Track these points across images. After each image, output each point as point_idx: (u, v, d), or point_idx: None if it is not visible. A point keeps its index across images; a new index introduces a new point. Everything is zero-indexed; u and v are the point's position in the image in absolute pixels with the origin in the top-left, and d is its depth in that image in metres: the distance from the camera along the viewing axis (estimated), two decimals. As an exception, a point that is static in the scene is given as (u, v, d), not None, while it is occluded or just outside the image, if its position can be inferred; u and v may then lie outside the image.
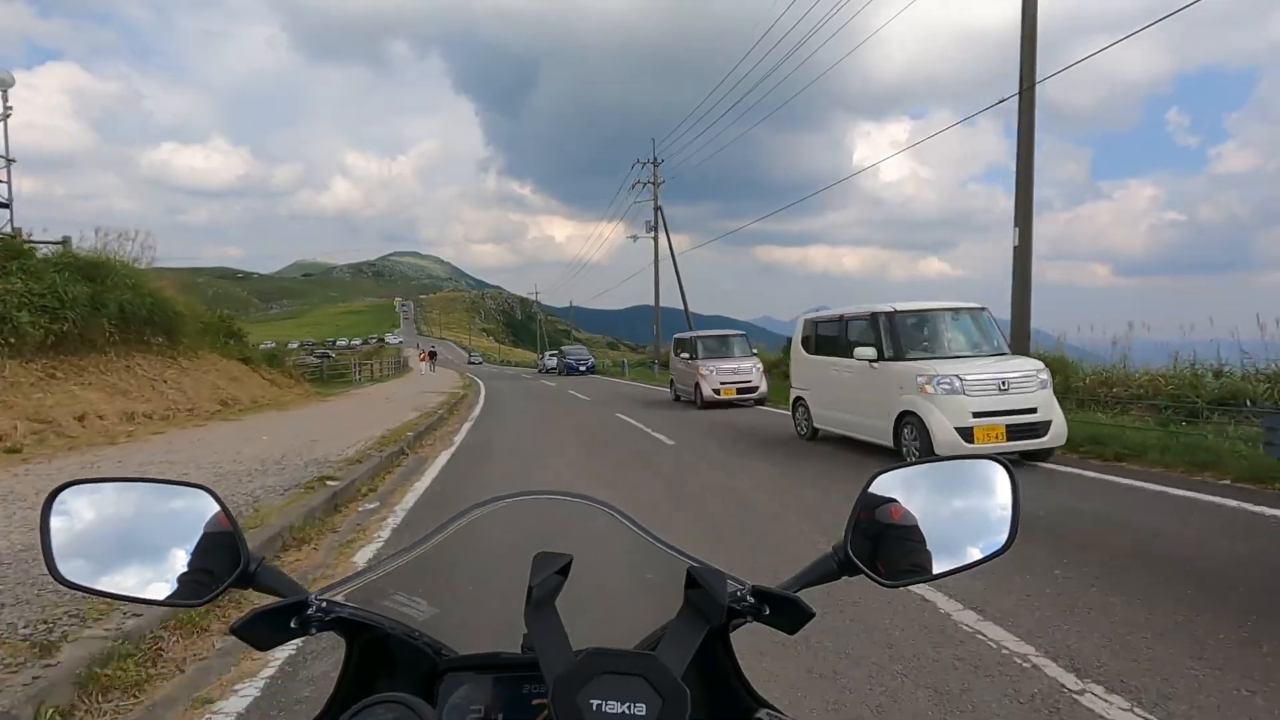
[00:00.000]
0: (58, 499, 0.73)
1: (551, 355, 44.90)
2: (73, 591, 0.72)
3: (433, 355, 42.51)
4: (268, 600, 0.71)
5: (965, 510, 0.80)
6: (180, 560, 0.71)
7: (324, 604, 0.71)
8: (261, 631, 0.69)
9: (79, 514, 0.73)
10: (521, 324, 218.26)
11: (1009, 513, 0.78)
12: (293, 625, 0.70)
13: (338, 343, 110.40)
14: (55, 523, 0.72)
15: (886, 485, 0.77)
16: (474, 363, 77.25)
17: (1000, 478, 0.80)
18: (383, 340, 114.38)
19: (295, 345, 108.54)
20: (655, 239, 33.56)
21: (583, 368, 36.48)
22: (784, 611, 0.72)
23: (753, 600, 0.72)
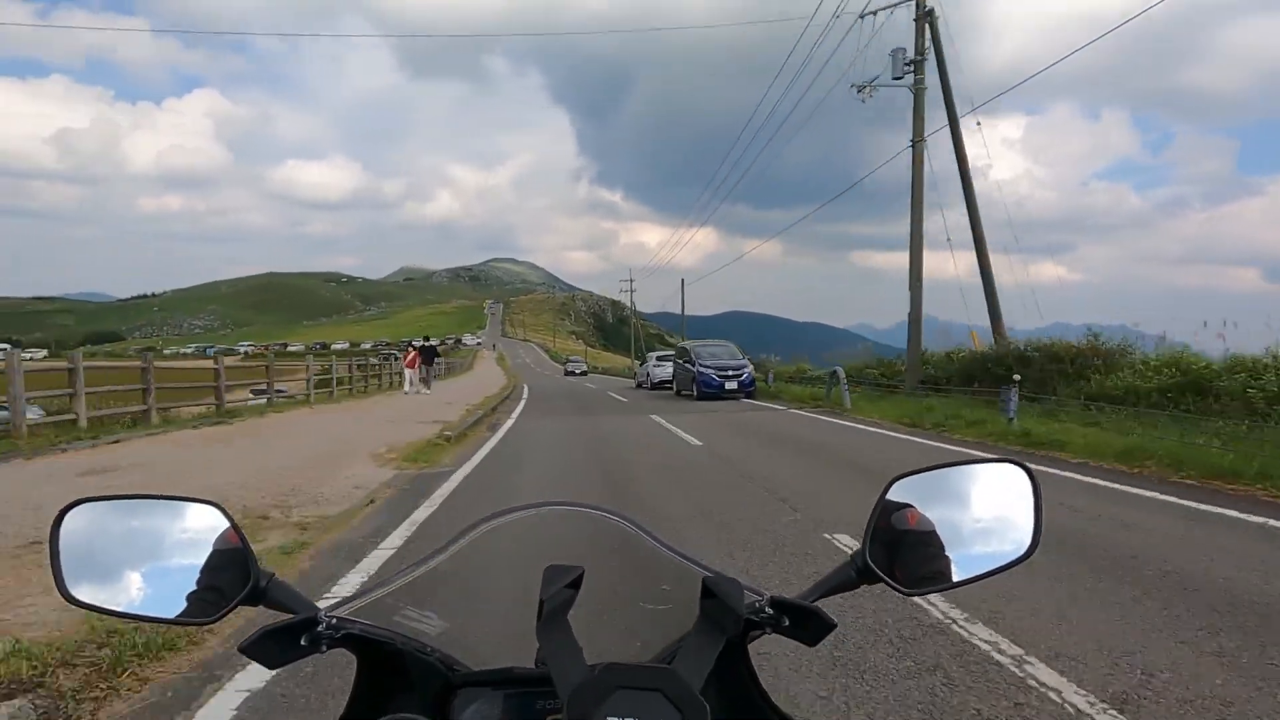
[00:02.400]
0: (66, 517, 0.72)
1: (662, 359, 25.46)
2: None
3: (430, 354, 23.48)
4: (277, 618, 0.69)
5: (985, 515, 0.76)
6: (190, 577, 0.70)
7: (334, 620, 0.70)
8: (270, 649, 0.67)
9: (87, 532, 0.72)
10: (613, 327, 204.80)
11: (1030, 517, 0.74)
12: (303, 643, 0.68)
13: (412, 343, 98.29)
14: (64, 541, 0.70)
15: (903, 490, 0.74)
16: (574, 373, 50.40)
17: (1020, 481, 0.77)
18: (459, 340, 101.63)
19: (369, 345, 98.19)
20: (916, 83, 14.40)
21: (732, 383, 17.79)
22: (803, 623, 0.70)
23: (771, 612, 0.70)
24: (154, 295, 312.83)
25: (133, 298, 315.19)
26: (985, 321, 15.03)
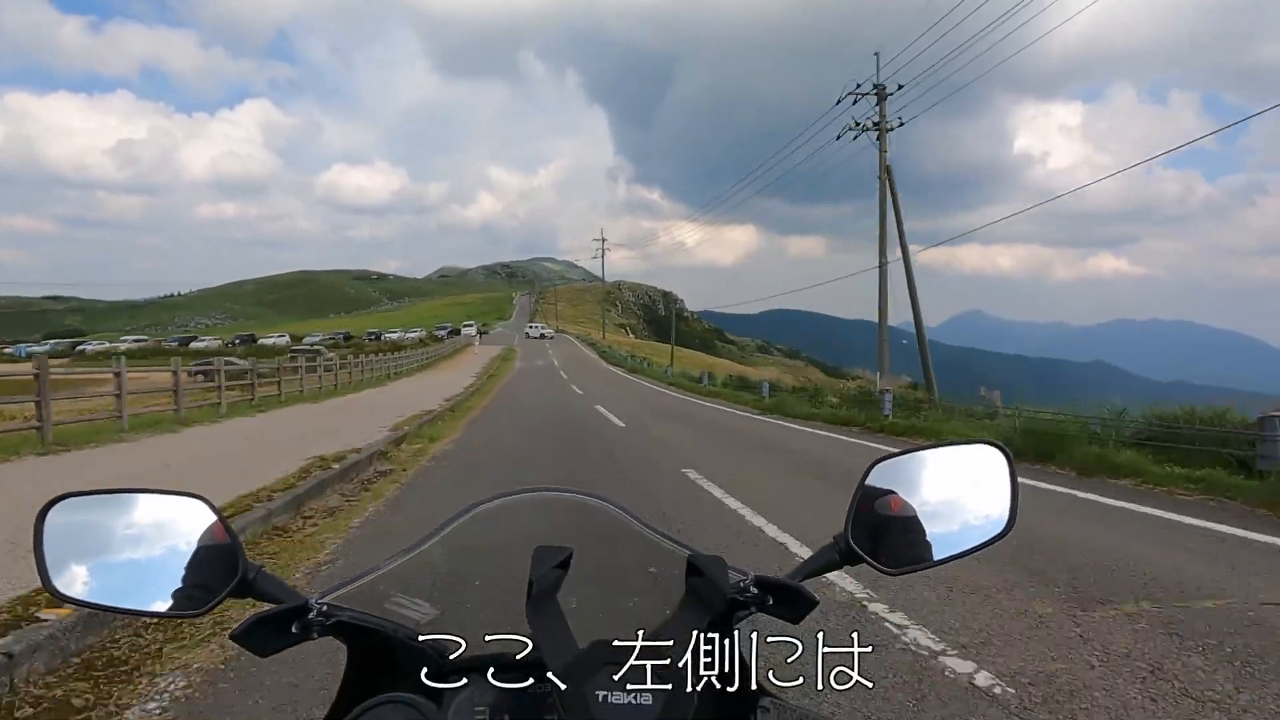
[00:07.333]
0: (51, 512, 0.70)
1: None
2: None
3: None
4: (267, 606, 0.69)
5: (963, 495, 0.77)
6: (177, 570, 0.69)
7: (324, 608, 0.70)
8: (261, 637, 0.68)
9: (73, 527, 0.71)
10: (664, 320, 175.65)
11: (1007, 496, 0.77)
12: (293, 630, 0.69)
13: (384, 335, 70.38)
14: (49, 537, 0.69)
15: (884, 475, 0.75)
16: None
17: (997, 461, 0.78)
18: (456, 331, 74.05)
19: (317, 338, 69.16)
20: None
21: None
22: (787, 601, 0.72)
23: (756, 590, 0.72)
24: (179, 295, 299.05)
25: (161, 297, 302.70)
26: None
